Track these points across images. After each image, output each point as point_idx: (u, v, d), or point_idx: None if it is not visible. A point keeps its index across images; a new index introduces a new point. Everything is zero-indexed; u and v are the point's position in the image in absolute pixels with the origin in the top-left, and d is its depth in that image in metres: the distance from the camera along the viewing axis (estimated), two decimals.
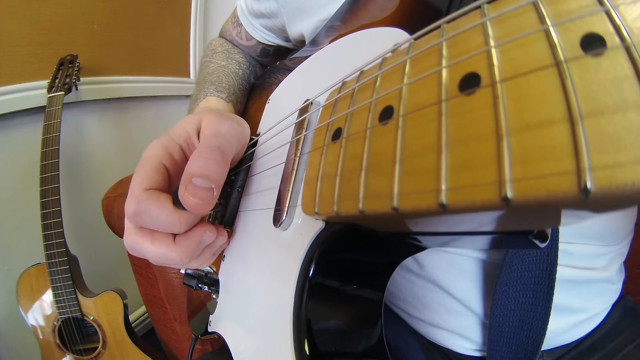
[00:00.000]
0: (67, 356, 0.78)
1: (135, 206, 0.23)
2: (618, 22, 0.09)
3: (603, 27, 0.09)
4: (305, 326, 0.21)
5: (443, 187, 0.12)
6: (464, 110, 0.12)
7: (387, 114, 0.15)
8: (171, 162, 0.26)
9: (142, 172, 0.25)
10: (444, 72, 0.13)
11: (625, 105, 0.09)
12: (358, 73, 0.19)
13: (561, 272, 0.31)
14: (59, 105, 0.80)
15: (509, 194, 0.10)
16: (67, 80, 0.84)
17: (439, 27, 0.14)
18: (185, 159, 0.27)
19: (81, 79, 0.90)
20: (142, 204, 0.23)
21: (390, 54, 0.17)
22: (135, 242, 0.25)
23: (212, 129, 0.27)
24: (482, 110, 0.11)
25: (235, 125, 0.28)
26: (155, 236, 0.25)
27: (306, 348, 0.20)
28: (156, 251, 0.25)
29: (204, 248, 0.27)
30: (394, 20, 0.22)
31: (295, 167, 0.24)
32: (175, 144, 0.27)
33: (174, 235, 0.25)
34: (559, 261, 0.30)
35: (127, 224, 0.26)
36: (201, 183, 0.23)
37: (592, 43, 0.09)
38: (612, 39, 0.09)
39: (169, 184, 0.26)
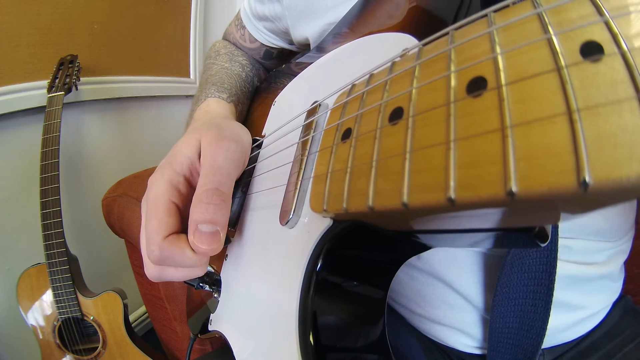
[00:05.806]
0: (67, 356, 0.77)
1: (159, 253, 0.25)
2: (616, 30, 0.10)
3: (601, 36, 0.10)
4: (310, 318, 0.21)
5: (451, 183, 0.12)
6: (471, 111, 0.12)
7: (397, 114, 0.16)
8: (179, 197, 0.27)
9: (157, 218, 0.26)
10: (453, 76, 0.13)
11: (621, 106, 0.09)
12: (368, 76, 0.20)
13: (562, 267, 0.31)
14: (59, 105, 0.80)
15: (514, 189, 0.11)
16: (67, 80, 0.84)
17: (447, 33, 0.15)
18: (192, 188, 0.28)
19: (81, 79, 0.90)
20: (165, 251, 0.25)
21: (399, 58, 0.18)
22: (160, 272, 0.27)
23: (211, 162, 0.27)
24: (488, 111, 0.12)
25: (233, 147, 0.28)
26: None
27: (311, 340, 0.20)
28: (181, 274, 0.28)
29: None
30: (401, 29, 0.22)
31: (303, 167, 0.24)
32: (179, 176, 0.28)
33: None
34: (560, 256, 0.31)
35: (146, 260, 0.28)
36: (206, 228, 0.25)
37: (591, 50, 0.10)
38: (609, 47, 0.10)
39: (181, 220, 0.28)
